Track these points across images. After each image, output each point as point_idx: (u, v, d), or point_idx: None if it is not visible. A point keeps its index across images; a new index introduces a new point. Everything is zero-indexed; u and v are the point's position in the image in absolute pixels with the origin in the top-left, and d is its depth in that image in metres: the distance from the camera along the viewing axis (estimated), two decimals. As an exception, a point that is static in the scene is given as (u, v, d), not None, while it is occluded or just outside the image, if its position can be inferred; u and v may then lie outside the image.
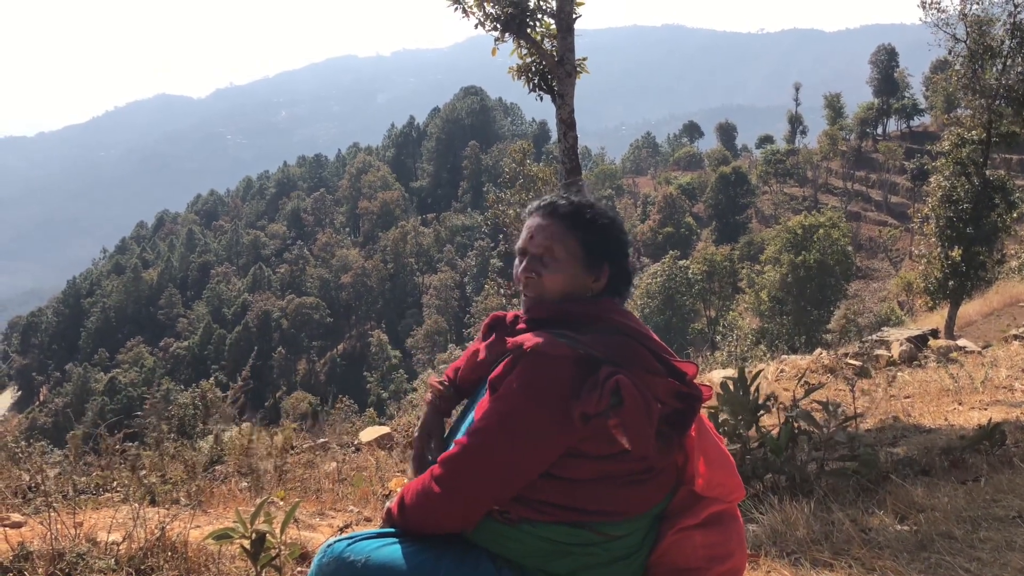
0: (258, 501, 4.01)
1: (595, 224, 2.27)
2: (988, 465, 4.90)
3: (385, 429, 8.24)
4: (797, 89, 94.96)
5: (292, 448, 7.14)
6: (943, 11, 20.61)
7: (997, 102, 19.91)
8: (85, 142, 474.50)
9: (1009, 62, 19.96)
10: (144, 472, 5.33)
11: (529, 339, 2.05)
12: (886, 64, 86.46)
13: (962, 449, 5.11)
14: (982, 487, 4.46)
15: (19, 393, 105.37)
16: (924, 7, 20.69)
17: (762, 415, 4.99)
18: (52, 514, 3.54)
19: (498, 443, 2.01)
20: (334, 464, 6.35)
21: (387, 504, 2.26)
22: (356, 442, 7.95)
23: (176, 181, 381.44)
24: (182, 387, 77.25)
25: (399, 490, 2.22)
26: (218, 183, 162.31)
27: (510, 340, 2.11)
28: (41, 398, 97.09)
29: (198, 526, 4.02)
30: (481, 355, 2.31)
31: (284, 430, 7.43)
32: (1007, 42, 20.03)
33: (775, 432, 4.97)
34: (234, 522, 3.09)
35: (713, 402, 4.87)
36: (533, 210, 2.35)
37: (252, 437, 6.57)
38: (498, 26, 8.79)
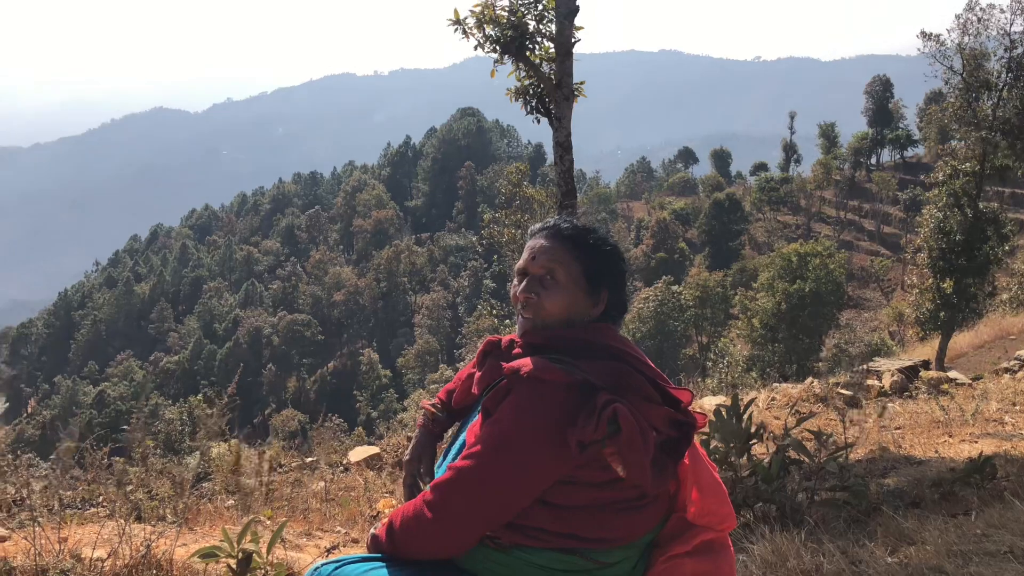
0: (245, 520, 3.98)
1: (598, 250, 2.27)
2: (979, 499, 4.89)
3: (374, 449, 8.20)
4: (792, 117, 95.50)
5: (280, 466, 7.10)
6: (942, 43, 20.83)
7: (992, 134, 20.07)
8: (80, 154, 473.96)
9: (1005, 95, 20.14)
10: (131, 488, 5.30)
11: (526, 364, 2.03)
12: (881, 94, 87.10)
13: (953, 482, 5.10)
14: (973, 521, 4.44)
15: (6, 404, 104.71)
16: (924, 38, 20.92)
17: (754, 443, 4.98)
18: (37, 529, 3.51)
19: (492, 469, 1.99)
20: (322, 484, 6.31)
21: (372, 530, 2.24)
22: (345, 462, 7.91)
23: (171, 195, 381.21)
24: (171, 402, 76.94)
25: (387, 513, 2.20)
26: (213, 198, 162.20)
27: (506, 365, 2.10)
28: (28, 410, 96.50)
29: (184, 544, 3.99)
30: (476, 380, 2.29)
31: (272, 448, 7.39)
32: (1003, 75, 20.23)
33: (767, 461, 4.95)
34: (220, 541, 3.06)
35: (705, 429, 4.86)
36: (536, 231, 2.35)
37: (240, 454, 6.53)
38: (497, 48, 8.82)
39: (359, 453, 8.06)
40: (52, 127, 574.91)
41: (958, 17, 20.73)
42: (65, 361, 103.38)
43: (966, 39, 20.63)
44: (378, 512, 5.21)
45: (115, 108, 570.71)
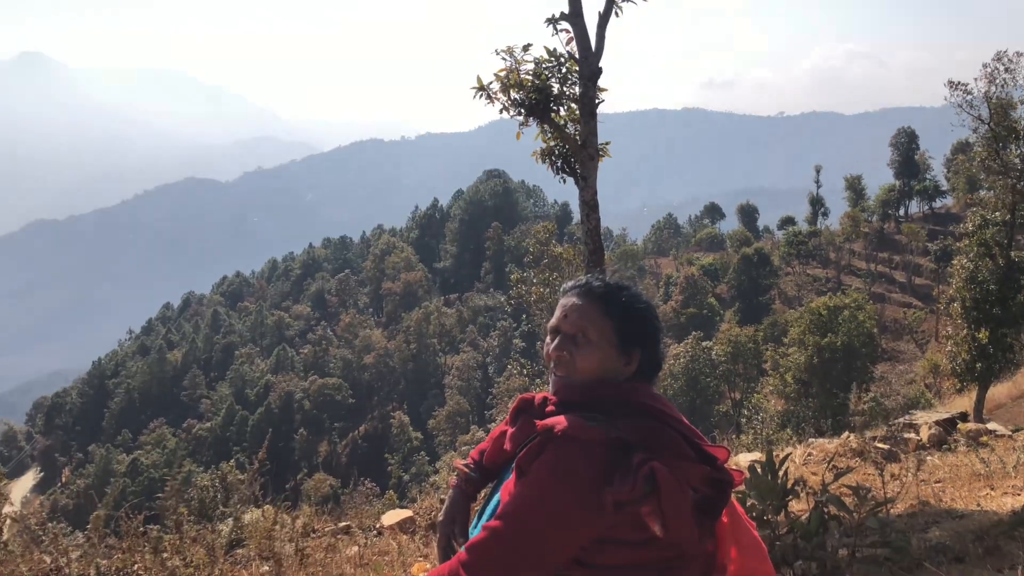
0: (280, 586, 3.96)
1: (631, 308, 2.27)
2: (1024, 552, 4.78)
3: (407, 512, 8.15)
4: (818, 171, 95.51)
5: (313, 531, 7.07)
6: (968, 92, 20.87)
7: (1021, 183, 19.97)
8: (115, 225, 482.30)
9: (1033, 144, 20.09)
10: (166, 555, 5.29)
11: (560, 422, 2.03)
12: (906, 146, 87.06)
13: (996, 535, 5.00)
14: (1019, 575, 4.34)
15: (41, 474, 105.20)
16: (951, 87, 20.97)
17: (791, 500, 4.91)
18: (73, 598, 3.52)
19: (527, 528, 1.98)
20: (356, 548, 6.27)
21: None
22: (378, 526, 7.86)
23: (203, 263, 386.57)
24: (203, 469, 77.00)
25: (422, 576, 2.19)
26: (244, 265, 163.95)
27: (539, 423, 2.10)
28: (63, 479, 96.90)
29: (219, 611, 3.98)
30: (508, 438, 2.29)
31: (305, 513, 7.37)
32: (1032, 124, 20.20)
33: (805, 517, 4.88)
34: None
35: (741, 486, 4.80)
36: (568, 289, 2.36)
37: (273, 520, 6.52)
38: (522, 111, 8.95)
39: (392, 517, 8.00)
40: (87, 199, 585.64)
41: (985, 67, 20.78)
42: (99, 430, 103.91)
43: (993, 88, 20.65)
44: (412, 576, 5.16)
45: (148, 179, 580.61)
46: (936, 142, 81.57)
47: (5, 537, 5.53)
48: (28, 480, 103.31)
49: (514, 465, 2.13)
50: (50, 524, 5.91)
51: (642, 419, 2.11)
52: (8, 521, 5.85)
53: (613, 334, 2.25)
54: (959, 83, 21.23)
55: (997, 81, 20.70)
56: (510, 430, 2.31)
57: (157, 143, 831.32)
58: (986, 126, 20.78)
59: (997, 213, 20.76)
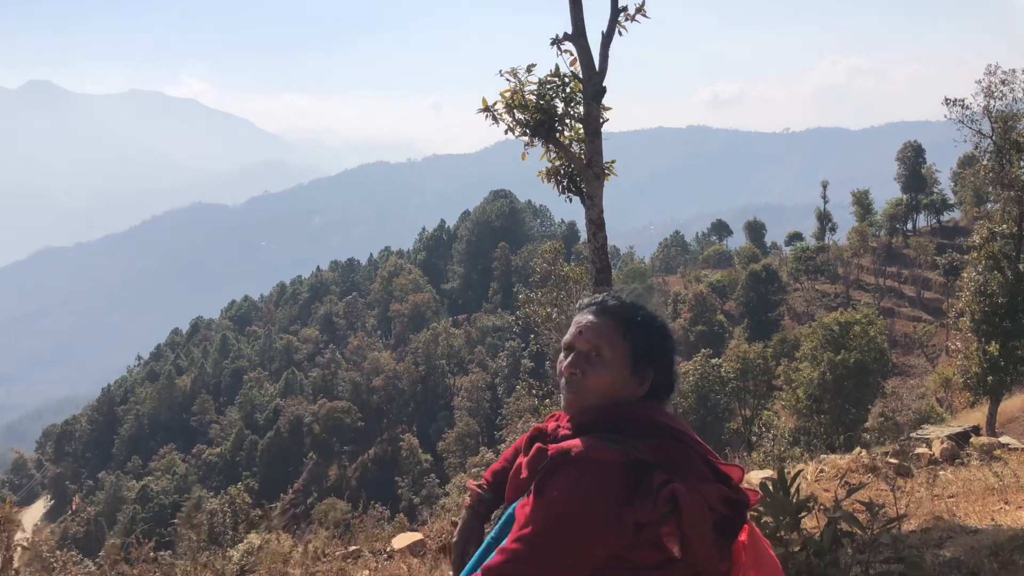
0: (291, 611, 3.95)
1: (646, 327, 2.25)
2: (1040, 567, 4.74)
3: (418, 535, 8.13)
4: (824, 187, 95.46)
5: (324, 556, 7.05)
6: (967, 107, 20.87)
7: (1026, 195, 19.94)
8: (123, 251, 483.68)
9: (1036, 156, 20.07)
10: (176, 581, 5.28)
11: (576, 444, 2.02)
12: (913, 160, 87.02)
13: (1011, 550, 4.96)
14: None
15: (52, 502, 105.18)
16: (948, 104, 20.98)
17: (803, 517, 4.88)
18: (85, 626, 3.51)
19: (544, 552, 1.96)
20: (366, 572, 6.25)
21: None
22: (388, 549, 7.84)
23: (211, 287, 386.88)
24: (213, 494, 76.89)
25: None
26: (252, 289, 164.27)
27: (553, 447, 2.08)
28: (73, 507, 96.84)
29: (230, 637, 3.96)
30: (524, 465, 2.25)
31: (317, 537, 7.35)
32: (1033, 136, 20.17)
33: (818, 534, 4.85)
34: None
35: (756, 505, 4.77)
36: (583, 306, 2.35)
37: (285, 545, 6.51)
38: (527, 132, 8.98)
39: (402, 540, 7.98)
40: (95, 225, 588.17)
41: (979, 82, 20.79)
42: (109, 456, 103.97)
43: (992, 102, 20.65)
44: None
45: (155, 205, 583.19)
46: (943, 155, 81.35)
47: (16, 565, 5.53)
48: (39, 508, 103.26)
49: (531, 486, 2.11)
50: (60, 552, 5.91)
51: (659, 439, 2.09)
52: (19, 549, 5.85)
53: (628, 353, 2.23)
54: (956, 99, 21.23)
55: (995, 94, 20.70)
56: (524, 458, 2.27)
57: (164, 169, 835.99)
58: (988, 140, 20.77)
59: (1004, 226, 20.72)
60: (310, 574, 5.80)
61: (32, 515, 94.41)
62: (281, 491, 68.78)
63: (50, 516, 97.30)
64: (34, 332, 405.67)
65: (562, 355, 2.32)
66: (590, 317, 2.29)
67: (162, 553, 5.55)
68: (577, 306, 2.39)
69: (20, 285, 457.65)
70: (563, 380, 2.27)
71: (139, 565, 5.46)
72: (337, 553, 7.36)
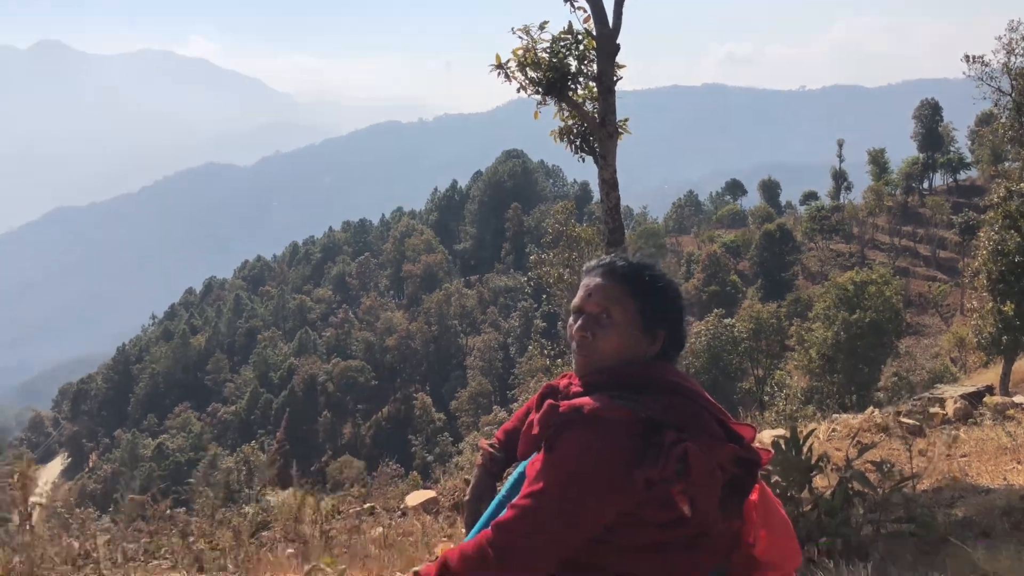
0: (306, 568, 3.99)
1: (654, 287, 2.24)
2: (1052, 526, 4.74)
3: (431, 493, 8.19)
4: (840, 145, 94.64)
5: (339, 513, 7.11)
6: (987, 64, 20.57)
7: (1045, 154, 19.71)
8: (136, 211, 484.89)
9: (1056, 114, 19.80)
10: (192, 539, 5.34)
11: (587, 402, 2.01)
12: (930, 118, 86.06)
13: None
14: (1047, 550, 4.30)
15: (69, 460, 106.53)
16: (968, 61, 20.68)
17: (815, 476, 4.89)
18: (102, 582, 3.55)
19: (555, 508, 1.97)
20: (380, 529, 6.30)
21: (416, 568, 2.22)
22: (402, 506, 7.91)
23: (224, 247, 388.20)
24: (228, 452, 77.73)
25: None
26: (265, 249, 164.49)
27: (564, 404, 2.08)
28: (90, 465, 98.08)
29: (246, 593, 4.00)
30: (536, 422, 2.26)
31: (331, 495, 7.41)
32: (1054, 94, 19.90)
33: (829, 494, 4.85)
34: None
35: (767, 465, 4.78)
36: (591, 269, 2.33)
37: (299, 502, 6.56)
38: (540, 90, 8.89)
39: (416, 497, 8.05)
40: (108, 186, 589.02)
41: (999, 39, 20.46)
42: (125, 415, 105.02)
43: (1013, 59, 20.36)
44: (435, 557, 5.17)
45: (168, 165, 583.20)
46: (960, 114, 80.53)
47: (34, 522, 5.60)
48: (56, 466, 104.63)
49: (542, 443, 2.11)
50: (78, 509, 5.97)
51: (670, 397, 2.09)
52: (37, 507, 5.91)
53: (637, 314, 2.22)
54: (976, 56, 20.94)
55: (1016, 51, 20.39)
56: (536, 415, 2.28)
57: (176, 129, 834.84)
58: (1008, 97, 20.50)
59: (1022, 184, 20.53)
60: (324, 531, 5.85)
61: (49, 472, 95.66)
62: (297, 449, 69.51)
63: (67, 474, 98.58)
64: (48, 293, 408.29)
65: (572, 318, 2.31)
66: (598, 279, 2.28)
67: (177, 510, 5.60)
68: (584, 268, 2.37)
69: (33, 246, 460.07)
70: (574, 343, 2.26)
71: (155, 522, 5.52)
72: (352, 510, 7.42)
